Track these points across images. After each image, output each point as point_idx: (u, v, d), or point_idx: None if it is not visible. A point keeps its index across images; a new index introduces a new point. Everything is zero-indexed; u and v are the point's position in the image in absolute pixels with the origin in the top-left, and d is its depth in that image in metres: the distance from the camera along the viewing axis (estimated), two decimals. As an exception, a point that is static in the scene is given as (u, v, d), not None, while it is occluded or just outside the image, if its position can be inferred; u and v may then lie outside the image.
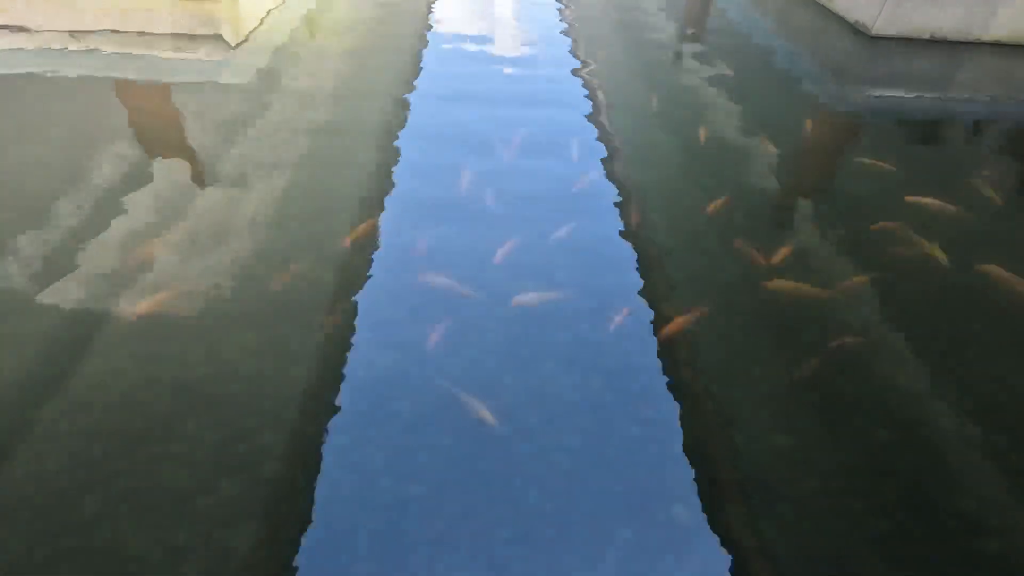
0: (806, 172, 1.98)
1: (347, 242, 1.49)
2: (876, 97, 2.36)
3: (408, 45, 2.45)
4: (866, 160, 1.97)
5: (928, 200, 1.75)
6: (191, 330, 1.26)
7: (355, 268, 1.44)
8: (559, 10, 3.32)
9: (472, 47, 2.62)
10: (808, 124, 2.19)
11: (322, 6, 2.63)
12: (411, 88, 2.23)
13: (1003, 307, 1.47)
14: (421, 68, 2.37)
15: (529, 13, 3.22)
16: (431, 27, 2.67)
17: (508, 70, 2.48)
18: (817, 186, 1.92)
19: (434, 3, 2.99)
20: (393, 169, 1.81)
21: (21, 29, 2.04)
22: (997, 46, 2.51)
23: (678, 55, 2.76)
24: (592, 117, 2.20)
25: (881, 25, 2.49)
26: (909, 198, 1.77)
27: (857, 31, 2.61)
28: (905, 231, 1.64)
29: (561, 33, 2.99)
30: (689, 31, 3.06)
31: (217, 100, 1.93)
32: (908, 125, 2.27)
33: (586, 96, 2.35)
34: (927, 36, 2.48)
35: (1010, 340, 1.38)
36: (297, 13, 2.50)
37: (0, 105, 1.86)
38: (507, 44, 2.77)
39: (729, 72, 2.56)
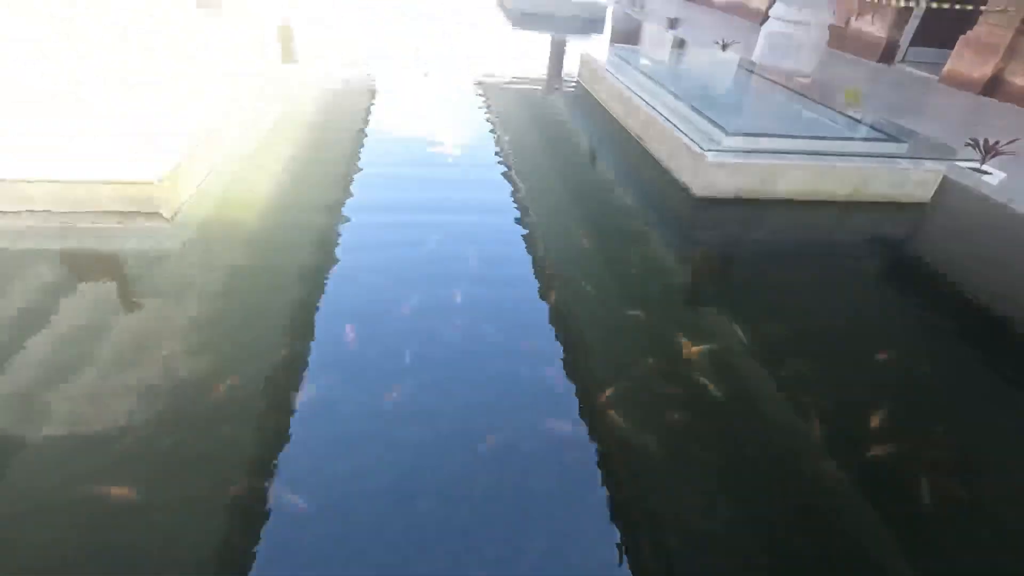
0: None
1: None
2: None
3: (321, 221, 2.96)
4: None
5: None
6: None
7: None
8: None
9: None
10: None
11: (242, 178, 3.16)
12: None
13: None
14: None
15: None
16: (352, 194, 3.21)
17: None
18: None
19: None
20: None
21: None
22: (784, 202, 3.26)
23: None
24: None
25: (697, 189, 3.22)
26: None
27: (686, 190, 3.32)
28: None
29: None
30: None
31: (158, 260, 2.35)
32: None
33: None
34: (732, 196, 3.20)
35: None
36: (222, 183, 3.01)
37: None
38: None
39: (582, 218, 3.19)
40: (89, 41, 3.99)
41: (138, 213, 2.62)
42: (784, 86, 4.69)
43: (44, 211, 2.57)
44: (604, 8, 9.83)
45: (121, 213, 2.61)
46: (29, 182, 2.48)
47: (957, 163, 3.53)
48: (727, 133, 3.18)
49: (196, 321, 2.07)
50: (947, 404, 2.05)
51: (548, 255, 2.72)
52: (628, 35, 9.14)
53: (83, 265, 2.36)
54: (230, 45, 4.06)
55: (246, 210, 2.84)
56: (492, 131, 4.24)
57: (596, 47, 7.80)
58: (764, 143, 3.23)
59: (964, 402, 2.07)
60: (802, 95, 4.43)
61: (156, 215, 2.63)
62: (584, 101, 5.25)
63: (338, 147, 3.70)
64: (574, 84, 5.82)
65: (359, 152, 3.65)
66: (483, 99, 5.07)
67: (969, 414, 2.01)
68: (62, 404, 1.69)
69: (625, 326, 2.30)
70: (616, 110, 4.57)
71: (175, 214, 2.68)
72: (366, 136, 3.94)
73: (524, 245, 2.79)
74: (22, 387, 1.73)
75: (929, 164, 3.42)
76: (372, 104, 4.65)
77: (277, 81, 4.70)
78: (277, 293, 2.28)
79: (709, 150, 3.07)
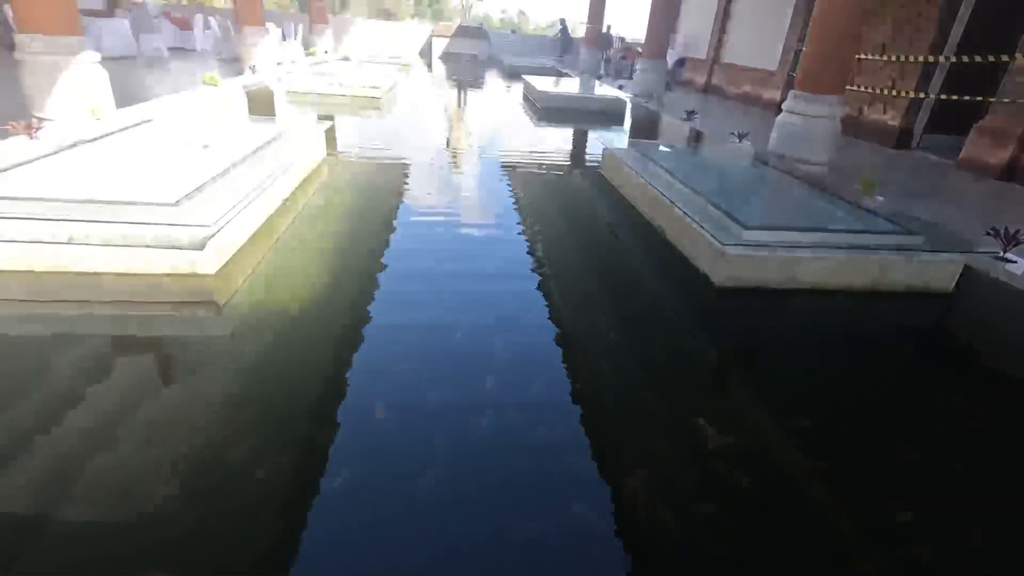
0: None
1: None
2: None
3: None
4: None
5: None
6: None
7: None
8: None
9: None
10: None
11: (288, 267, 3.38)
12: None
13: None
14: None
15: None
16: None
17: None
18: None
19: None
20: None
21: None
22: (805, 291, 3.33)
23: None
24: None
25: (718, 279, 3.32)
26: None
27: (707, 280, 3.43)
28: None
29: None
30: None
31: (208, 347, 2.51)
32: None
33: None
34: (752, 286, 3.29)
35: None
36: (270, 273, 3.23)
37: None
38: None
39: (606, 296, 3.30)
40: (152, 139, 4.45)
41: (193, 303, 2.85)
42: (800, 177, 4.89)
43: (101, 301, 2.80)
44: (624, 103, 10.46)
45: (176, 303, 2.84)
46: (85, 273, 2.74)
47: (979, 252, 3.59)
48: (745, 227, 3.33)
49: (237, 406, 2.20)
50: (983, 500, 2.01)
51: (574, 342, 2.82)
52: (647, 126, 9.66)
53: (134, 350, 2.54)
54: (281, 139, 4.49)
55: (290, 299, 3.05)
56: (520, 221, 4.49)
57: (616, 139, 8.26)
58: (781, 236, 3.35)
59: (1002, 497, 2.03)
60: (818, 186, 4.60)
61: (211, 304, 2.85)
62: (606, 191, 5.53)
63: (375, 235, 3.96)
64: (596, 174, 6.15)
65: (391, 238, 3.91)
66: (510, 184, 5.40)
67: (1009, 513, 1.96)
68: (100, 486, 1.79)
69: (650, 414, 2.35)
70: (637, 201, 4.80)
71: (227, 303, 2.90)
72: (399, 220, 4.23)
73: (551, 333, 2.90)
74: (58, 468, 1.85)
75: (949, 255, 3.49)
76: (405, 189, 5.02)
77: (320, 171, 5.12)
78: (313, 381, 2.42)
79: (728, 244, 3.21)
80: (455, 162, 6.32)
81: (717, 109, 11.58)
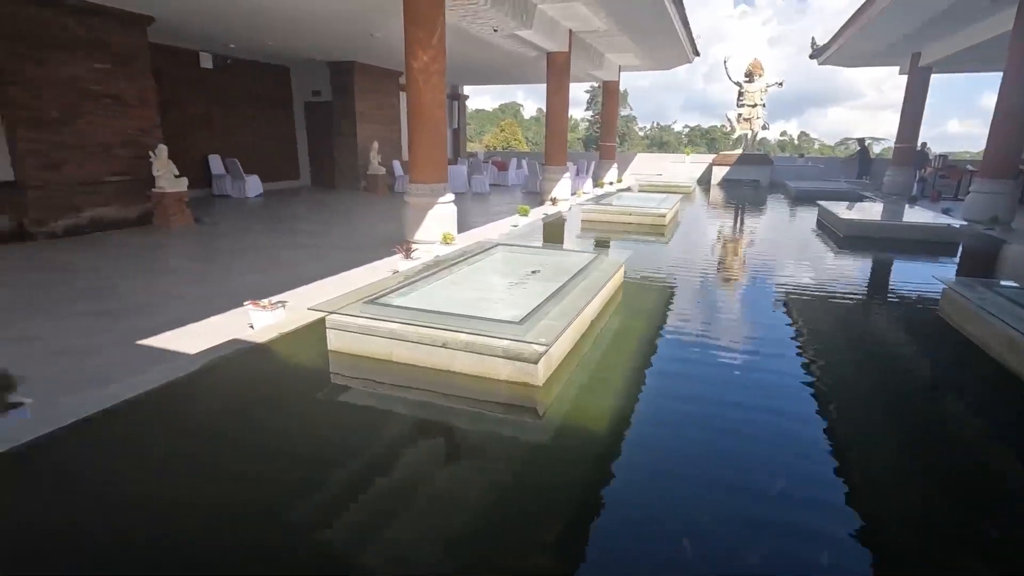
0: None
1: None
2: None
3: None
4: None
5: None
6: None
7: None
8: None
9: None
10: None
11: (592, 383, 3.60)
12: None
13: None
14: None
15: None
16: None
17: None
18: None
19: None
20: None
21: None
22: None
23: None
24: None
25: None
26: None
27: None
28: None
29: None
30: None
31: (530, 448, 2.82)
32: None
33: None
34: None
35: None
36: (577, 385, 3.49)
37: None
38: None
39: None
40: (494, 263, 5.47)
41: (520, 407, 3.26)
42: None
43: (453, 394, 3.40)
44: (956, 230, 8.87)
45: (507, 405, 3.28)
46: (447, 371, 3.38)
47: None
48: None
49: (551, 513, 2.36)
50: None
51: (875, 511, 2.30)
52: (986, 258, 7.92)
53: (468, 439, 2.97)
54: (592, 266, 5.02)
55: (591, 411, 3.24)
56: (814, 357, 4.03)
57: (949, 272, 6.94)
58: None
59: None
60: None
61: (533, 410, 3.23)
62: (938, 332, 4.62)
63: (665, 358, 4.01)
64: (921, 310, 5.21)
65: (665, 360, 3.89)
66: (801, 317, 4.95)
67: None
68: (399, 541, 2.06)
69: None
70: (999, 353, 3.87)
71: (545, 412, 3.24)
72: (676, 343, 4.21)
73: (841, 492, 2.45)
74: (368, 514, 2.18)
75: None
76: (686, 311, 5.04)
77: (617, 295, 5.52)
78: (613, 499, 2.46)
79: None
80: (735, 288, 6.14)
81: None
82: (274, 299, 4.54)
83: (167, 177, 9.08)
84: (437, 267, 4.96)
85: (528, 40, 11.24)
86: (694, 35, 14.40)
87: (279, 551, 2.05)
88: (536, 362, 3.17)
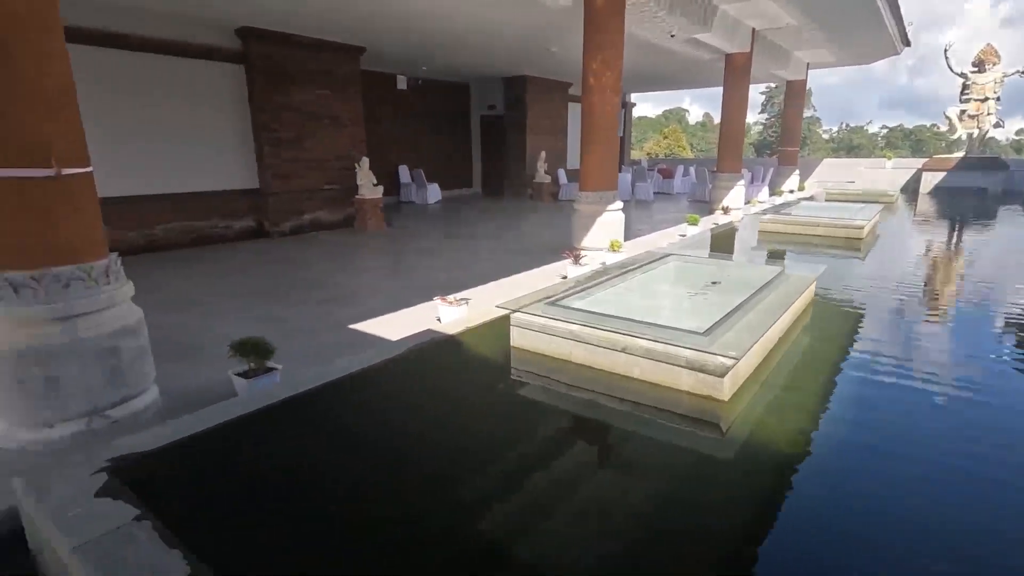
0: None
1: None
2: None
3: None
4: None
5: None
6: None
7: None
8: None
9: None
10: None
11: (776, 399, 3.34)
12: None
13: None
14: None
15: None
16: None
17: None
18: None
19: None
20: None
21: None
22: None
23: None
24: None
25: None
26: None
27: None
28: None
29: None
30: None
31: (713, 465, 2.72)
32: None
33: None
34: None
35: None
36: (763, 404, 3.25)
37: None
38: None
39: None
40: (671, 272, 5.33)
41: (701, 421, 3.14)
42: None
43: (630, 400, 3.38)
44: None
45: (687, 418, 3.18)
46: (627, 377, 3.37)
47: None
48: None
49: (727, 533, 2.23)
50: None
51: None
52: None
53: (646, 450, 2.94)
54: (779, 280, 4.68)
55: (780, 435, 3.00)
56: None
57: None
58: None
59: None
60: None
61: (715, 426, 3.09)
62: None
63: (855, 385, 3.56)
64: None
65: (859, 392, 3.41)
66: None
67: None
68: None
69: None
70: None
71: (728, 429, 3.08)
72: (874, 374, 3.68)
73: None
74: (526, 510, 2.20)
75: None
76: (882, 341, 4.40)
77: (806, 314, 5.04)
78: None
79: None
80: (948, 316, 5.19)
81: None
82: (458, 296, 4.96)
83: (367, 186, 10.40)
84: (608, 274, 4.98)
85: (706, 43, 10.79)
86: (905, 22, 12.56)
87: (445, 516, 2.26)
88: (723, 376, 3.04)
